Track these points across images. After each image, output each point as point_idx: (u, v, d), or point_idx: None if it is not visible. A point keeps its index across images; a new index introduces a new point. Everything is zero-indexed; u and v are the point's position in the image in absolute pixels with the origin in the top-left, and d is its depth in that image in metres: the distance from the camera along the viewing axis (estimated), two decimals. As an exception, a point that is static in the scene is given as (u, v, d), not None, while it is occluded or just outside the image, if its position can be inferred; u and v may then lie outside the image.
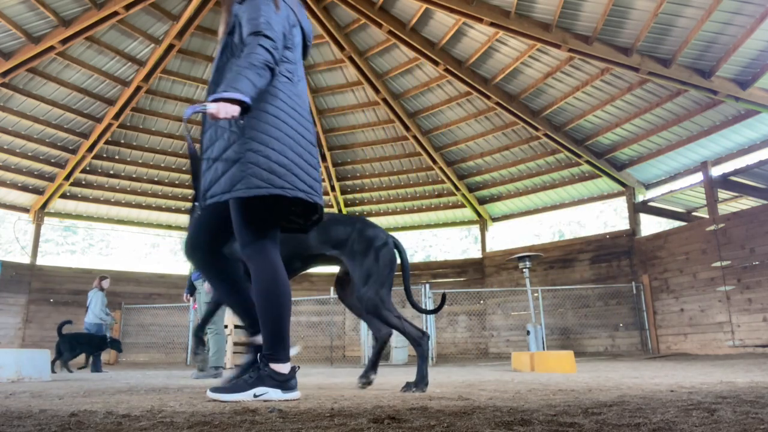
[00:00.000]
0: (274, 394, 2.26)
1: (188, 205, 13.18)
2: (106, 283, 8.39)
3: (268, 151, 2.24)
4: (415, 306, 3.24)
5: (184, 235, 10.16)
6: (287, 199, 2.32)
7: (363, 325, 9.25)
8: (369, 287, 2.89)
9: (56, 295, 11.47)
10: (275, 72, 2.27)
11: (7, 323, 10.90)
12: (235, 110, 2.09)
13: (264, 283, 2.32)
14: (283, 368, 2.30)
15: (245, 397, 2.23)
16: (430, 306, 9.11)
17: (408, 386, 2.77)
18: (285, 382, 2.29)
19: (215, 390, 2.27)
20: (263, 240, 2.36)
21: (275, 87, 2.34)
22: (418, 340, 2.89)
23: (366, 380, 3.06)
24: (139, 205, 12.89)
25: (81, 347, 7.16)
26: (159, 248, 26.18)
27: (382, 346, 3.22)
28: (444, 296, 3.35)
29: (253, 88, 2.14)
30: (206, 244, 2.57)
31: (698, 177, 9.41)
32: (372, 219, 13.82)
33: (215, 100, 2.09)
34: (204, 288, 5.44)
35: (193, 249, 2.56)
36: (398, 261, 3.11)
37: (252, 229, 2.35)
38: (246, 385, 2.25)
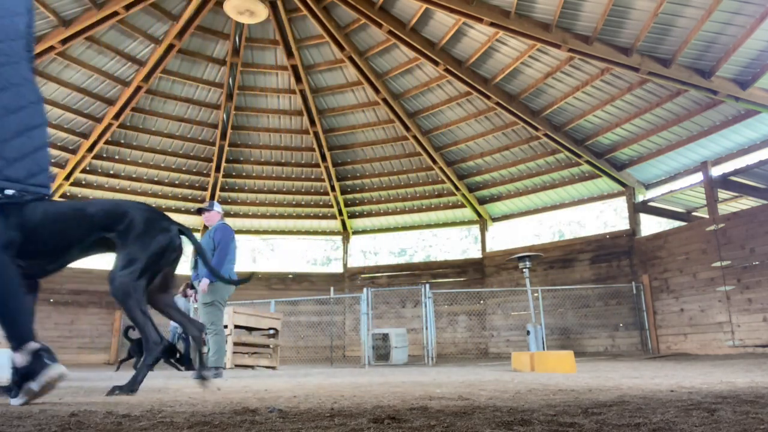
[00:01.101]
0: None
1: (189, 204, 13.17)
2: (190, 292, 8.24)
3: None
4: (221, 278, 3.43)
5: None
6: None
7: (363, 325, 9.22)
8: (126, 271, 2.77)
9: (56, 295, 11.47)
10: None
11: (7, 323, 10.89)
12: None
13: None
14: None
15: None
16: (430, 307, 9.09)
17: (113, 389, 2.70)
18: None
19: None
20: None
21: None
22: (150, 345, 2.82)
23: (201, 379, 3.10)
24: (139, 205, 12.87)
25: None
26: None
27: (200, 348, 3.21)
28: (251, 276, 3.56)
29: None
30: None
31: (698, 177, 9.40)
32: (372, 219, 13.87)
33: None
34: (200, 288, 5.44)
35: None
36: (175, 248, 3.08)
37: None
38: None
